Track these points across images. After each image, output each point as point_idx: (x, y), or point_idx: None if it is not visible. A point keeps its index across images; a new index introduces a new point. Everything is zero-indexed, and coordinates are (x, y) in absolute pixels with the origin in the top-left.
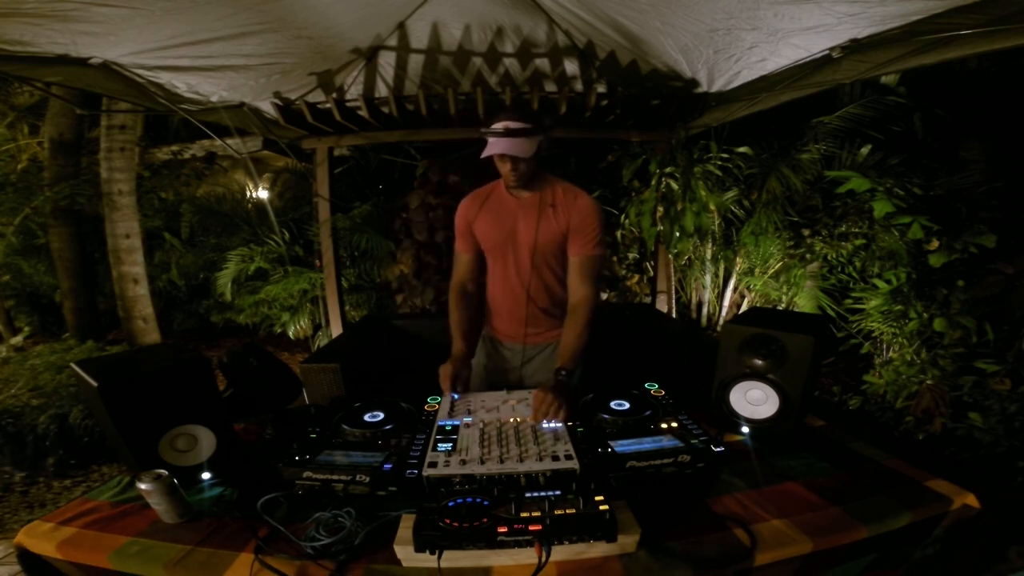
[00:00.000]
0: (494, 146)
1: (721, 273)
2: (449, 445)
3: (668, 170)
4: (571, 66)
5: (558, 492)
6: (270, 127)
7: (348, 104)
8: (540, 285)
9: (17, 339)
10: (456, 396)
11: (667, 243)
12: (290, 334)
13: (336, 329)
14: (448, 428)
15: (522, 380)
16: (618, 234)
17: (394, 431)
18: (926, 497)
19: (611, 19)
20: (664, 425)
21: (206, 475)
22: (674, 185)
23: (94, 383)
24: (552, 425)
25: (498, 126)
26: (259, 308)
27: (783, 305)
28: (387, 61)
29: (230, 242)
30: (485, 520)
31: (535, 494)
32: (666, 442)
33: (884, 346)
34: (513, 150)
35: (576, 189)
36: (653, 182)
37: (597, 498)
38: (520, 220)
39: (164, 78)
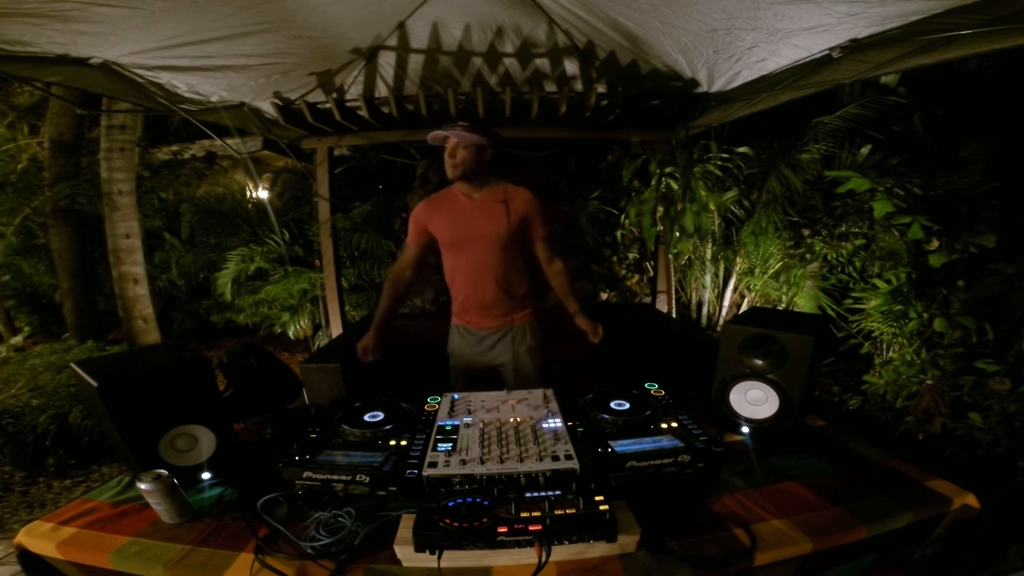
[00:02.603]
0: (437, 135)
1: (721, 273)
2: (449, 445)
3: (668, 170)
4: (571, 66)
5: (558, 492)
6: (270, 127)
7: (348, 104)
8: (503, 273)
9: (17, 339)
10: (456, 396)
11: (667, 243)
12: (290, 334)
13: (336, 329)
14: (448, 428)
15: (491, 362)
16: (618, 234)
17: (394, 431)
18: (926, 497)
19: (611, 19)
20: (664, 425)
21: (206, 475)
22: (674, 185)
23: (94, 383)
24: (552, 424)
25: (445, 127)
26: (259, 308)
27: (783, 305)
28: (387, 61)
29: (230, 242)
30: (485, 520)
31: (535, 494)
32: (666, 442)
33: (884, 346)
34: (452, 135)
35: (517, 187)
36: (653, 182)
37: (597, 498)
38: (479, 217)
39: (164, 78)
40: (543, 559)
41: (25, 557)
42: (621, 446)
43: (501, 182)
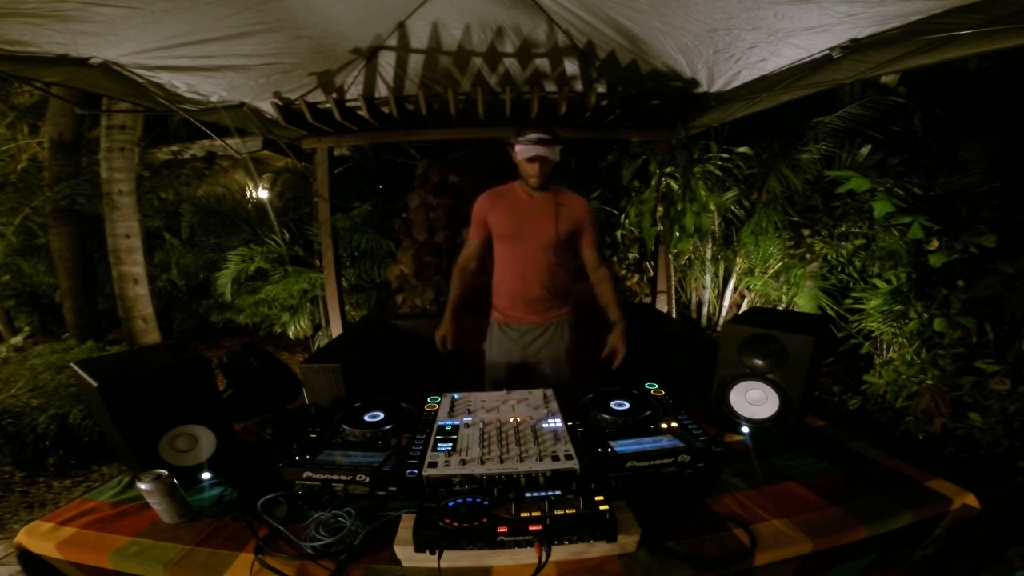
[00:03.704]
0: (530, 150)
1: (721, 273)
2: (449, 445)
3: (668, 170)
4: (571, 66)
5: (558, 492)
6: (270, 127)
7: (348, 104)
8: (550, 271)
9: (17, 339)
10: (456, 396)
11: (667, 243)
12: (290, 334)
13: (336, 329)
14: (448, 428)
15: (529, 358)
16: (618, 234)
17: (394, 431)
18: (926, 497)
19: (611, 19)
20: (664, 425)
21: (206, 475)
22: (674, 185)
23: (94, 383)
24: (552, 424)
25: (531, 136)
26: (259, 308)
27: (783, 305)
28: (387, 61)
29: (230, 242)
30: (485, 520)
31: (535, 494)
32: (666, 442)
33: (884, 346)
34: (545, 153)
35: (571, 192)
36: (653, 182)
37: (597, 498)
38: (535, 216)
39: (164, 78)
40: (543, 559)
41: (25, 557)
42: (621, 446)
43: (556, 185)
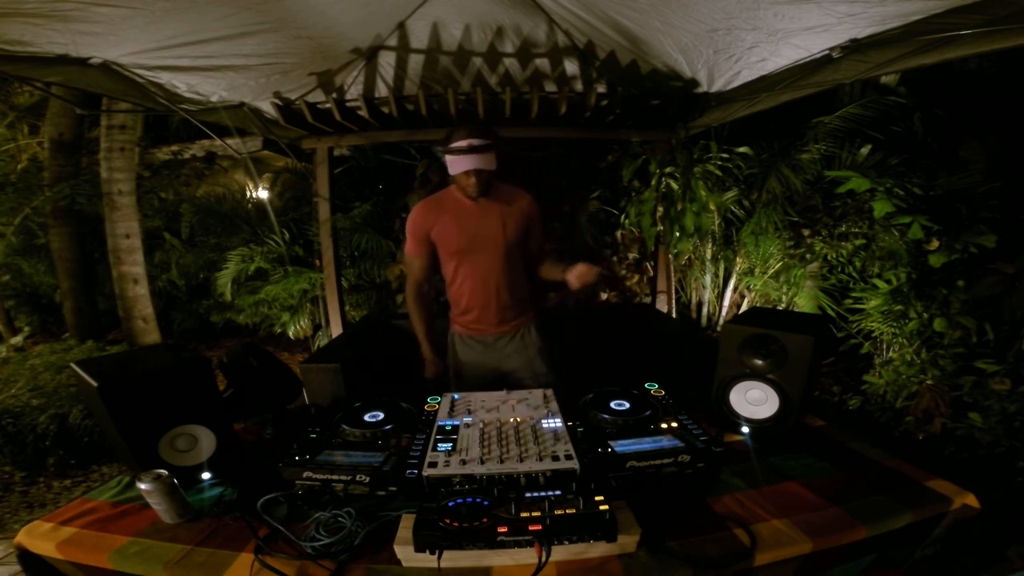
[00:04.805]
0: (462, 163)
1: (721, 273)
2: (449, 445)
3: (668, 170)
4: (571, 66)
5: (558, 492)
6: (270, 127)
7: (348, 104)
8: (511, 277)
9: (17, 339)
10: (456, 396)
11: (667, 243)
12: (290, 334)
13: (336, 329)
14: (448, 428)
15: (498, 367)
16: (618, 234)
17: (394, 431)
18: (926, 497)
19: (611, 19)
20: (664, 425)
21: (206, 475)
22: (674, 185)
23: (94, 383)
24: (552, 424)
25: (462, 144)
26: (259, 308)
27: (783, 305)
28: (387, 61)
29: (230, 242)
30: (485, 520)
31: (535, 494)
32: (666, 442)
33: (884, 346)
34: (481, 164)
35: (518, 189)
36: (653, 182)
37: (597, 498)
38: (486, 223)
39: (164, 78)
40: (543, 559)
41: (25, 557)
42: (621, 446)
43: (500, 183)
